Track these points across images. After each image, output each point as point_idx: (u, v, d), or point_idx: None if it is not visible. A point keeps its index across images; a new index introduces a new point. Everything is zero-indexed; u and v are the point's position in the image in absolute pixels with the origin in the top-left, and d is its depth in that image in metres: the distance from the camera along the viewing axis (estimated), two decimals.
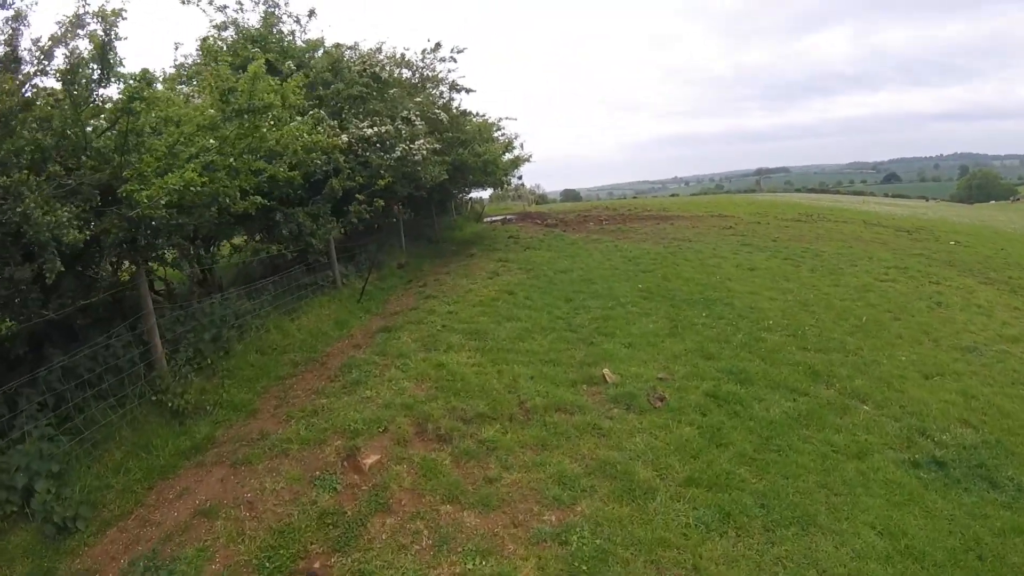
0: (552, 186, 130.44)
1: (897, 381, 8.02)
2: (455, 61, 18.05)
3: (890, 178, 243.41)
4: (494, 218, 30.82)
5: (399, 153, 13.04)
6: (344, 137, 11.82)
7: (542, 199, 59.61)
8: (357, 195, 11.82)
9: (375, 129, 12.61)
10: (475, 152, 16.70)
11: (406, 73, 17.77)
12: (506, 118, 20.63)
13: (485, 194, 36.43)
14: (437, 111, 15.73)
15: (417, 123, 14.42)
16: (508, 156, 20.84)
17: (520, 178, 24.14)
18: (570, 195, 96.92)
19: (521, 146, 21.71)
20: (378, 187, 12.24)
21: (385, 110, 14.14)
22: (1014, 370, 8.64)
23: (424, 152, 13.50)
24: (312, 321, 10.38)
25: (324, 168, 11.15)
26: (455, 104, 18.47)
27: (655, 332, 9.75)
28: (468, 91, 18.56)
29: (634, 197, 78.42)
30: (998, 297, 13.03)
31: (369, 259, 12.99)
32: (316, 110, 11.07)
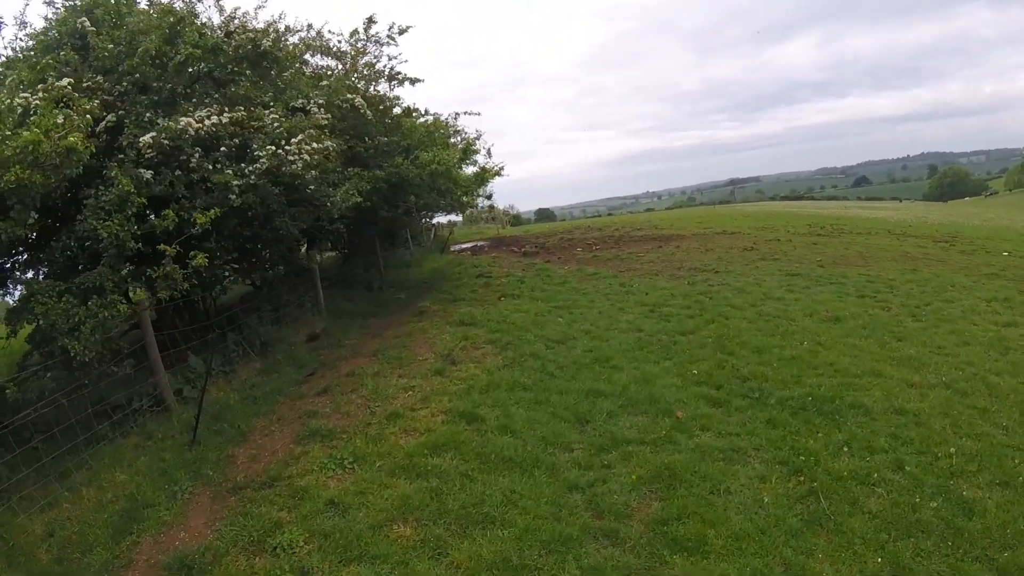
0: (526, 206, 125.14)
1: None
2: (395, 43, 12.99)
3: (860, 181, 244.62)
4: (463, 245, 25.93)
5: (265, 161, 7.90)
6: (145, 138, 6.69)
7: (516, 220, 55.00)
8: (164, 247, 6.74)
9: (207, 121, 7.45)
10: (418, 163, 11.32)
11: (330, 63, 12.67)
12: (466, 113, 15.33)
13: (456, 217, 31.15)
14: (350, 98, 10.48)
15: (317, 115, 9.26)
16: (470, 168, 15.52)
17: (490, 198, 18.73)
18: (544, 214, 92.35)
19: (488, 152, 16.40)
20: (201, 224, 7.33)
21: (264, 96, 9.04)
22: None
23: (307, 157, 8.29)
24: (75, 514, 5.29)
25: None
26: (390, 97, 13.36)
27: (776, 513, 4.79)
28: (413, 81, 13.44)
29: (608, 214, 74.61)
30: None
31: (209, 360, 7.53)
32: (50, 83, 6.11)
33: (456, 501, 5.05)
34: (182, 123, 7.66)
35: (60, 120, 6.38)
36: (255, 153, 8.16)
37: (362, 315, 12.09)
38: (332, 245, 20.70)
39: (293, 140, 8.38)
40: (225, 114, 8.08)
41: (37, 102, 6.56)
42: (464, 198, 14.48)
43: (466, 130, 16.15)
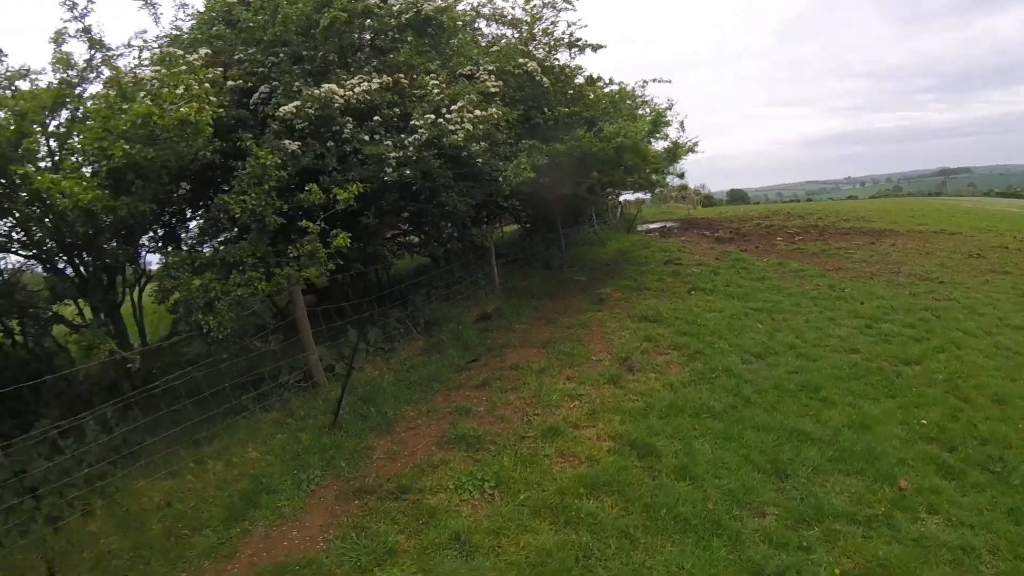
0: (717, 186, 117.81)
1: None
2: (572, 7, 11.88)
3: None
4: (650, 225, 24.16)
5: (424, 132, 7.16)
6: (287, 107, 6.40)
7: (708, 200, 52.08)
8: (306, 223, 6.33)
9: (357, 88, 6.94)
10: (602, 136, 10.12)
11: (505, 31, 11.89)
12: (655, 81, 13.81)
13: (644, 195, 29.41)
14: (522, 63, 9.50)
15: (487, 81, 8.42)
16: (661, 143, 13.96)
17: (683, 176, 16.98)
18: (737, 196, 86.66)
19: (681, 125, 14.69)
20: (344, 200, 6.74)
21: (429, 64, 8.41)
22: None
23: (469, 126, 7.42)
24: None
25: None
26: (571, 67, 12.24)
27: None
28: (595, 48, 12.27)
29: (808, 199, 68.44)
30: None
31: (360, 340, 6.94)
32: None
33: (607, 572, 3.94)
34: (323, 89, 7.13)
35: (180, 91, 6.18)
36: (412, 123, 7.46)
37: (537, 296, 11.20)
38: (515, 219, 20.18)
39: (453, 107, 7.58)
40: (375, 80, 7.44)
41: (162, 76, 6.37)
42: (654, 176, 13.03)
43: (655, 100, 14.58)
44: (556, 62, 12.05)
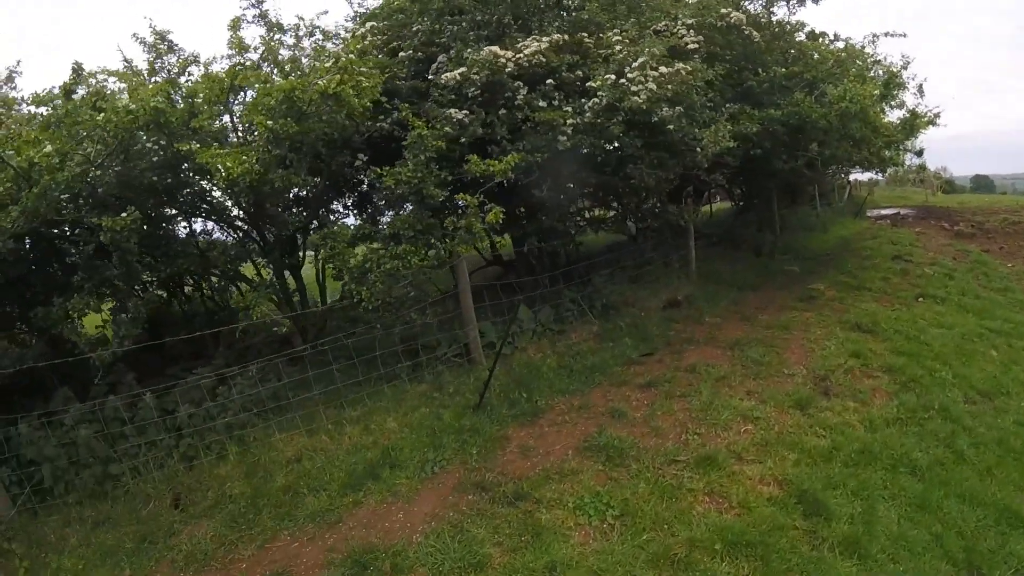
0: (958, 169, 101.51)
1: None
2: None
3: None
4: (882, 211, 21.31)
5: (604, 94, 6.30)
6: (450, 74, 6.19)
7: (949, 186, 45.35)
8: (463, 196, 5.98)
9: (527, 50, 6.37)
10: (824, 100, 8.49)
11: None
12: (887, 35, 11.48)
13: (878, 175, 25.89)
14: (725, 13, 8.17)
15: (686, 37, 7.34)
16: (896, 112, 11.71)
17: (921, 154, 14.36)
18: (982, 183, 74.51)
19: (919, 90, 12.22)
20: (499, 173, 6.27)
21: (618, 22, 7.56)
22: None
23: (653, 86, 6.39)
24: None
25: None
26: (791, 23, 10.60)
27: None
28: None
29: None
30: None
31: (513, 319, 6.45)
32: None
33: None
34: (484, 52, 6.56)
35: (327, 64, 6.22)
36: (588, 84, 6.65)
37: (738, 285, 9.96)
38: (729, 195, 18.48)
39: (634, 65, 6.61)
40: (544, 40, 6.69)
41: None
42: (886, 152, 10.93)
43: (888, 59, 12.18)
44: (773, 15, 10.48)
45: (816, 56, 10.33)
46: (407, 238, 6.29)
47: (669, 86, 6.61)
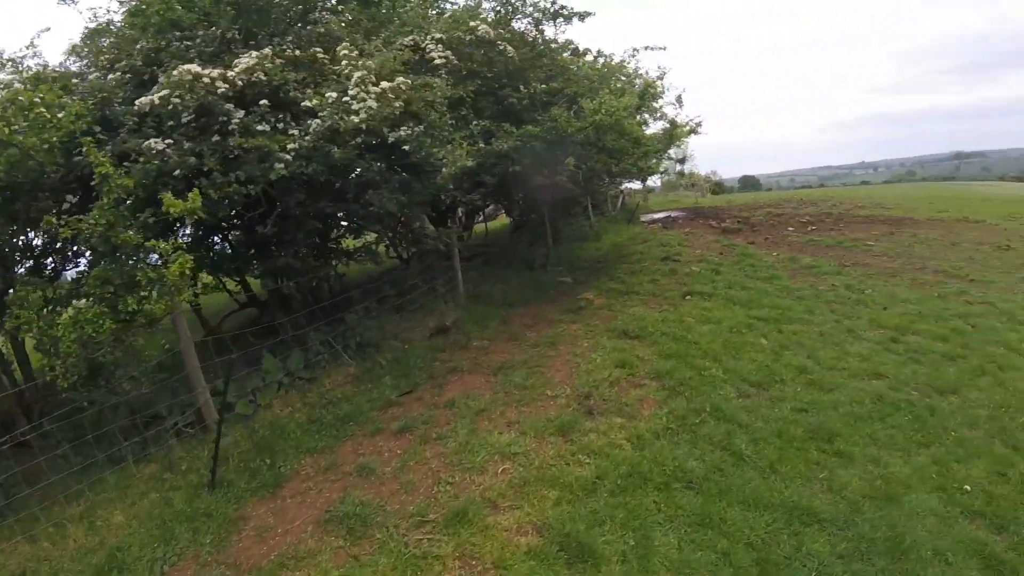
0: (729, 172, 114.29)
1: None
2: None
3: None
4: (655, 216, 22.44)
5: (326, 113, 5.80)
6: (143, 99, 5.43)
7: (718, 188, 50.28)
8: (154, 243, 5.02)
9: (237, 68, 5.79)
10: (581, 114, 8.52)
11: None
12: (647, 49, 11.94)
13: (654, 182, 27.45)
14: (473, 26, 7.93)
15: (433, 52, 6.97)
16: (657, 124, 12.28)
17: (683, 162, 15.29)
18: (749, 183, 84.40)
19: (678, 101, 12.94)
20: (181, 210, 5.32)
21: (356, 34, 6.99)
22: None
23: (372, 104, 5.95)
24: None
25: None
26: (556, 41, 10.66)
27: None
28: (582, 16, 10.70)
29: (820, 185, 66.69)
30: None
31: (228, 377, 4.85)
32: None
33: None
34: (177, 72, 5.79)
35: None
36: (304, 104, 6.07)
37: (509, 303, 9.70)
38: (507, 211, 18.50)
39: (353, 80, 6.10)
40: (255, 54, 6.06)
41: None
42: (645, 162, 11.32)
43: (647, 72, 12.69)
44: (540, 33, 10.50)
45: (579, 70, 10.47)
46: (100, 297, 5.21)
47: (398, 103, 6.08)
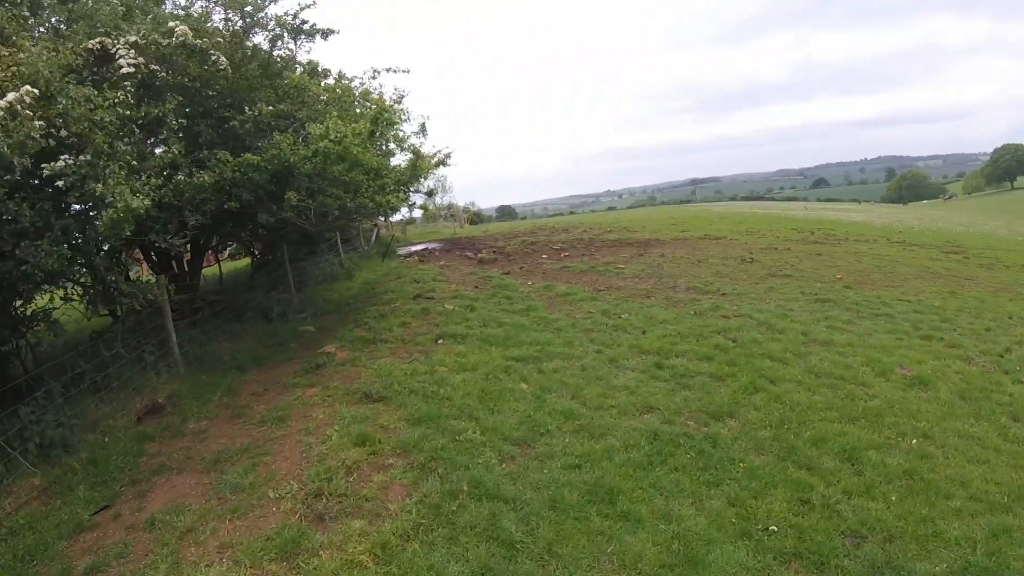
0: (488, 202, 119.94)
1: None
2: None
3: (818, 183, 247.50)
4: (412, 248, 22.20)
5: None
6: None
7: (477, 218, 51.72)
8: None
9: None
10: (309, 140, 7.39)
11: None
12: (389, 71, 10.97)
13: (414, 212, 26.58)
14: (171, 27, 6.56)
15: (123, 60, 5.50)
16: (400, 156, 11.46)
17: (432, 195, 14.73)
18: (506, 212, 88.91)
19: (422, 129, 12.24)
20: None
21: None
22: None
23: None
24: None
25: None
26: (284, 58, 9.47)
27: None
28: (325, 34, 9.62)
29: (571, 212, 72.29)
30: None
31: None
32: None
33: None
34: None
35: None
36: None
37: (240, 365, 8.18)
38: (247, 251, 16.45)
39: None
40: None
41: None
42: (379, 197, 10.24)
43: (382, 94, 11.67)
44: (287, 49, 9.21)
45: (314, 93, 9.30)
46: None
47: (37, 122, 4.55)
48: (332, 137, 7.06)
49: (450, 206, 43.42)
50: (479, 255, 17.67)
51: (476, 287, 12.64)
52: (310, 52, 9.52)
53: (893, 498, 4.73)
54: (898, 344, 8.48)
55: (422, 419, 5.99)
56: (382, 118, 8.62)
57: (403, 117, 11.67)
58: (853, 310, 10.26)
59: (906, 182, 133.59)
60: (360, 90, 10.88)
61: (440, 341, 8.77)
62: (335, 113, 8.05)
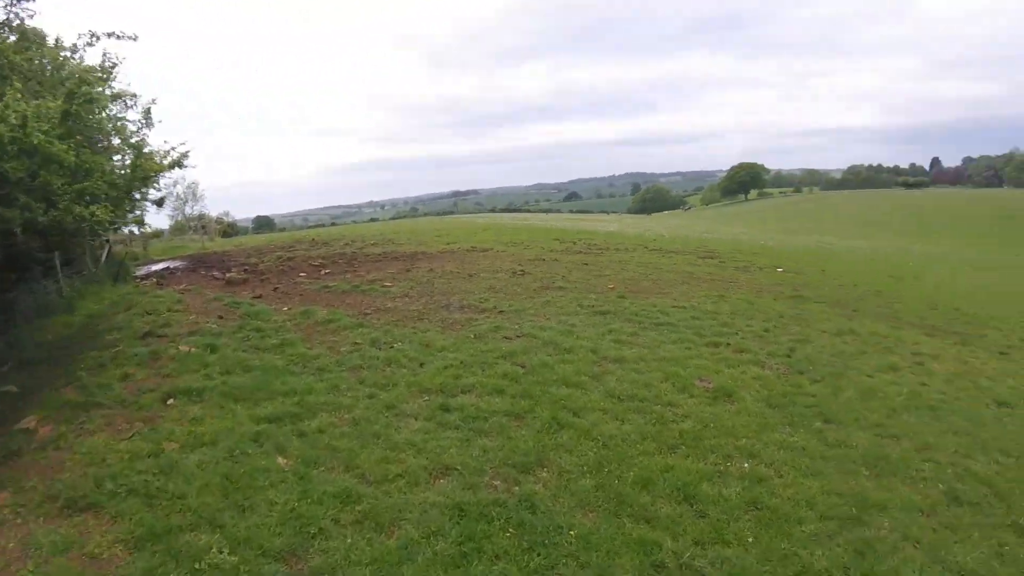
0: (244, 213, 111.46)
1: None
2: None
3: (571, 196, 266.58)
4: (154, 267, 19.11)
5: None
6: None
7: (231, 229, 47.59)
8: None
9: None
10: None
11: None
12: (110, 36, 8.51)
13: (161, 224, 23.08)
14: None
15: None
16: (119, 157, 9.26)
17: (161, 204, 12.37)
18: (263, 223, 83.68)
19: (147, 116, 10.07)
20: None
21: None
22: None
23: None
24: None
25: None
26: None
27: None
28: None
29: (332, 223, 70.54)
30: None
31: None
32: None
33: None
34: None
35: None
36: None
37: None
38: None
39: None
40: None
41: None
42: (78, 208, 7.72)
43: (83, 61, 9.23)
44: None
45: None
46: None
47: None
48: (13, 120, 5.04)
49: (201, 216, 39.40)
50: (228, 275, 15.30)
51: (221, 317, 10.50)
52: (32, 17, 7.12)
53: (749, 539, 4.39)
54: (689, 354, 8.46)
55: (146, 537, 4.35)
56: (79, 92, 6.55)
57: (128, 102, 9.41)
58: (634, 321, 10.21)
59: (649, 195, 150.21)
60: (89, 68, 8.46)
61: (170, 401, 6.88)
62: (18, 84, 5.93)
